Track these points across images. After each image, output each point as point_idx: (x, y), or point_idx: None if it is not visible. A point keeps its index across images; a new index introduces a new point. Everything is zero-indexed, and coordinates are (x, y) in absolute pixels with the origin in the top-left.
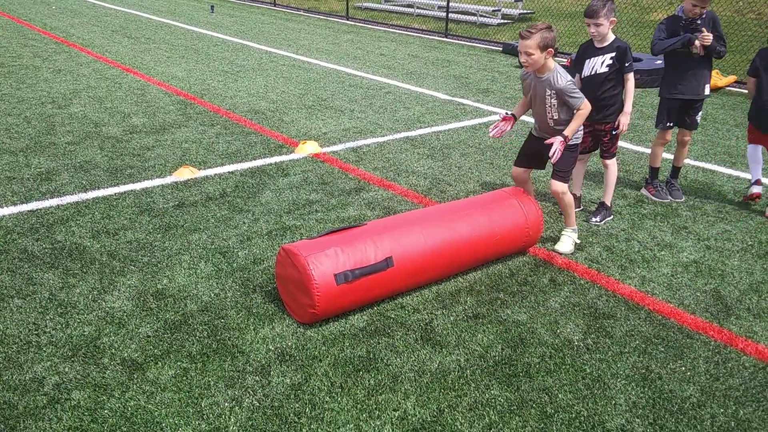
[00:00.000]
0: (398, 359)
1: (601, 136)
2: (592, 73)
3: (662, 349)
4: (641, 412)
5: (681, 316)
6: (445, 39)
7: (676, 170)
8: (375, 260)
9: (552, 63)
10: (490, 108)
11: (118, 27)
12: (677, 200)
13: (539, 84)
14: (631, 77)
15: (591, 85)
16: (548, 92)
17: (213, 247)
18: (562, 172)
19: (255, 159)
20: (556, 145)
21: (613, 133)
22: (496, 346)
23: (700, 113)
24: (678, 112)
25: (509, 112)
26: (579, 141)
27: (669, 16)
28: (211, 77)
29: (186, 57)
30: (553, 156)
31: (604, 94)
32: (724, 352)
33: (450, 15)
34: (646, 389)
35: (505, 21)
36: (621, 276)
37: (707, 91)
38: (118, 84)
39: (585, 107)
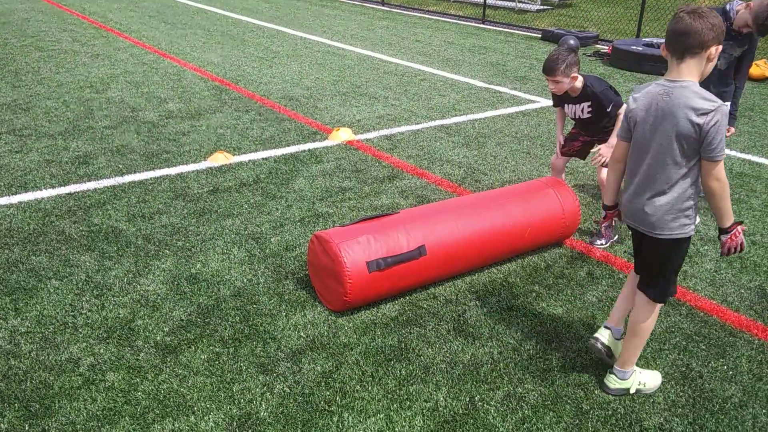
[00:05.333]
0: (430, 350)
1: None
2: (577, 117)
3: (703, 347)
4: (680, 411)
5: (724, 313)
6: (482, 25)
7: None
8: (407, 248)
9: None
10: (528, 96)
11: (155, 12)
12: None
13: None
14: (621, 113)
15: (581, 124)
16: None
17: (246, 232)
18: None
19: (289, 145)
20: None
21: (590, 161)
22: (530, 339)
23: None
24: None
25: None
26: None
27: (718, 9)
28: (246, 63)
29: (222, 43)
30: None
31: (598, 127)
32: None
33: (487, 1)
34: (686, 388)
35: (545, 7)
36: None
37: None
38: (155, 69)
39: None
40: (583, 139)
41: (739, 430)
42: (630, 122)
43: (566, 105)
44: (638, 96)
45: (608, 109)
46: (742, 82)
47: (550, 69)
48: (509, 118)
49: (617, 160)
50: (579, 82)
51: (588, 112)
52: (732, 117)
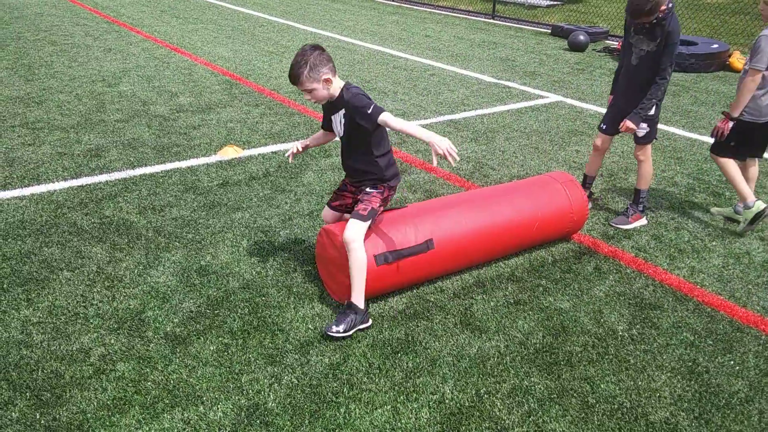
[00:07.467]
0: (437, 343)
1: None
2: (339, 137)
3: (710, 342)
4: (686, 406)
5: (731, 308)
6: (491, 20)
7: (635, 193)
8: (415, 242)
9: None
10: (537, 91)
11: (166, 7)
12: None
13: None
14: (387, 120)
15: (344, 150)
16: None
17: (255, 225)
18: None
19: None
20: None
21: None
22: (537, 333)
23: (641, 125)
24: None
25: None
26: None
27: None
28: (257, 57)
29: (232, 37)
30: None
31: (355, 159)
32: None
33: None
34: (692, 382)
35: (555, 2)
36: (669, 266)
37: (651, 111)
38: (166, 63)
39: None
40: (352, 191)
41: (745, 425)
42: None
43: (331, 116)
44: None
45: (369, 111)
46: (661, 77)
47: (294, 78)
48: (518, 113)
49: (757, 82)
50: (336, 86)
51: (344, 126)
52: (635, 113)
